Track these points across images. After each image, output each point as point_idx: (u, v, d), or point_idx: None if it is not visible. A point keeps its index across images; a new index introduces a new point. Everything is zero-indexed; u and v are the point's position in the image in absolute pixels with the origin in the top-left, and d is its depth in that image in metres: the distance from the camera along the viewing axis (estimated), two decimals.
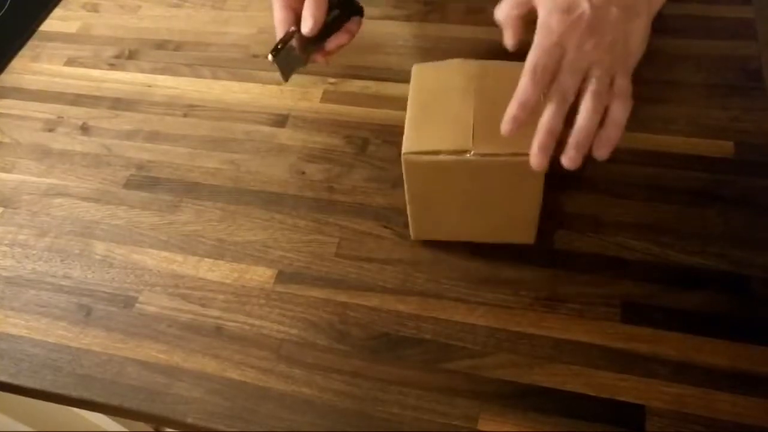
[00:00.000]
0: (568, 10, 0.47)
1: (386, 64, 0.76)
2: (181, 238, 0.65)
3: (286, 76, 0.63)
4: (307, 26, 0.58)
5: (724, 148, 0.64)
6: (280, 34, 0.60)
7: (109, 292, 0.62)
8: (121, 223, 0.67)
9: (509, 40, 0.52)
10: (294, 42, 0.60)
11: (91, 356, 0.58)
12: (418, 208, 0.58)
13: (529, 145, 0.51)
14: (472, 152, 0.51)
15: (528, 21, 0.51)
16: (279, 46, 0.59)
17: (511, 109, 0.49)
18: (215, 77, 0.79)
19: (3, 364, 0.59)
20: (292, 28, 0.59)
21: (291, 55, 0.61)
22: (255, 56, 0.80)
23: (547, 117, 0.48)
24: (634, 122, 0.66)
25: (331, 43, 0.62)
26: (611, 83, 0.48)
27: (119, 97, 0.79)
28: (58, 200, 0.70)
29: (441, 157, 0.52)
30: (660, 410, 0.51)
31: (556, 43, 0.47)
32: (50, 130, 0.77)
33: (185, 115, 0.76)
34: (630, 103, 0.49)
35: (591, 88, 0.47)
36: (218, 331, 0.59)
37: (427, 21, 0.81)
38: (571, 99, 0.48)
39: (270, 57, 0.60)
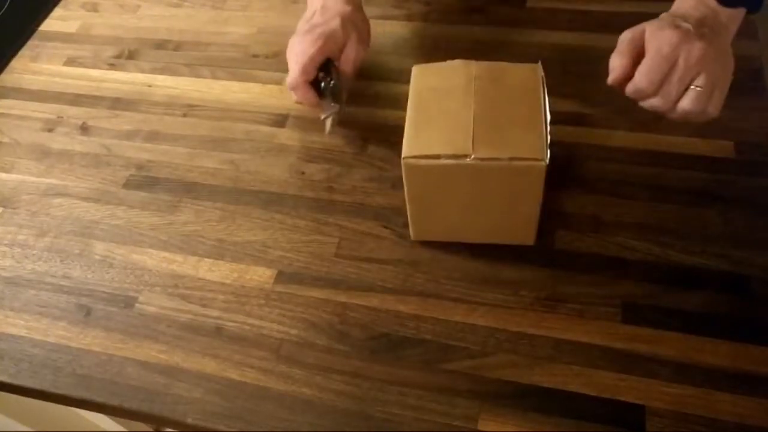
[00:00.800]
0: (676, 26, 0.57)
1: (386, 64, 0.76)
2: (180, 238, 0.65)
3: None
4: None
5: (724, 148, 0.64)
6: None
7: (108, 292, 0.62)
8: (120, 223, 0.67)
9: (614, 76, 0.60)
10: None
11: (91, 356, 0.58)
12: (418, 210, 0.58)
13: (528, 148, 0.51)
14: (471, 156, 0.51)
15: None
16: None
17: (613, 77, 0.60)
18: (215, 77, 0.79)
19: (3, 364, 0.59)
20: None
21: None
22: (255, 56, 0.80)
23: (650, 104, 0.58)
24: (634, 122, 0.67)
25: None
26: (711, 94, 0.57)
27: (119, 97, 0.79)
28: (57, 200, 0.70)
29: (441, 161, 0.52)
30: (660, 410, 0.51)
31: (673, 48, 0.56)
32: (50, 130, 0.77)
33: (185, 115, 0.76)
34: (717, 113, 0.58)
35: (695, 92, 0.56)
36: (218, 331, 0.58)
37: (427, 21, 0.81)
38: (675, 102, 0.57)
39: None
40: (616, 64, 0.60)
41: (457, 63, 0.58)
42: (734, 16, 0.60)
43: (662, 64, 0.56)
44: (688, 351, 0.53)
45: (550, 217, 0.60)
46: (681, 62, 0.56)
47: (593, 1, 0.79)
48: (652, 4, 0.77)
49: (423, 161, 0.52)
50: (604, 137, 0.66)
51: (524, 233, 0.59)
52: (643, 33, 0.59)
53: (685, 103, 0.57)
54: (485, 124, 0.53)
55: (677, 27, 0.57)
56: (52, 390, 0.57)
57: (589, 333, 0.55)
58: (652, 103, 0.59)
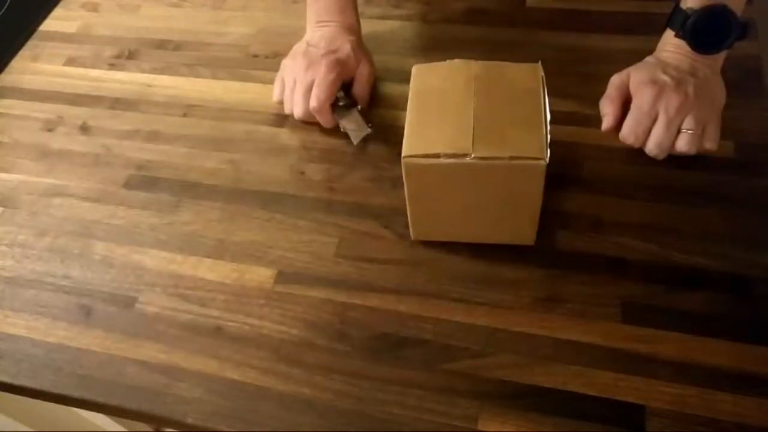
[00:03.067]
0: (654, 81, 0.62)
1: (386, 64, 0.76)
2: (180, 238, 0.65)
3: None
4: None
5: (724, 148, 0.64)
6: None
7: (109, 292, 0.62)
8: (120, 223, 0.67)
9: (608, 123, 0.65)
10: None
11: (91, 356, 0.58)
12: (418, 210, 0.58)
13: (528, 148, 0.51)
14: (471, 155, 0.51)
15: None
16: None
17: (607, 124, 0.64)
18: (215, 77, 0.79)
19: (3, 364, 0.59)
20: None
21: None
22: (255, 56, 0.80)
23: (649, 151, 0.63)
24: None
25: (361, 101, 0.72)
26: (703, 130, 0.61)
27: (119, 97, 0.79)
28: (57, 200, 0.70)
29: (441, 161, 0.52)
30: (660, 410, 0.51)
31: (651, 106, 0.61)
32: (50, 130, 0.77)
33: (185, 115, 0.76)
34: (716, 146, 0.61)
35: (686, 134, 0.61)
36: (218, 331, 0.58)
37: (427, 21, 0.81)
38: (670, 147, 0.61)
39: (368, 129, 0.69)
40: (608, 111, 0.65)
41: (457, 63, 0.58)
42: (716, 55, 0.63)
43: (643, 120, 0.62)
44: (688, 351, 0.53)
45: (550, 217, 0.60)
46: (662, 115, 0.61)
47: (593, 1, 0.79)
48: (652, 4, 0.77)
49: (423, 160, 0.52)
50: (604, 137, 0.66)
51: (525, 233, 0.59)
52: (629, 79, 0.64)
53: (681, 146, 0.61)
54: (485, 123, 0.53)
55: (655, 82, 0.61)
56: (52, 390, 0.57)
57: (589, 333, 0.55)
58: (650, 150, 0.62)
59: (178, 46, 0.83)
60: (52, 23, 0.90)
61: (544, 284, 0.58)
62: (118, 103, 0.78)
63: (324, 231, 0.64)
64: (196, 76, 0.80)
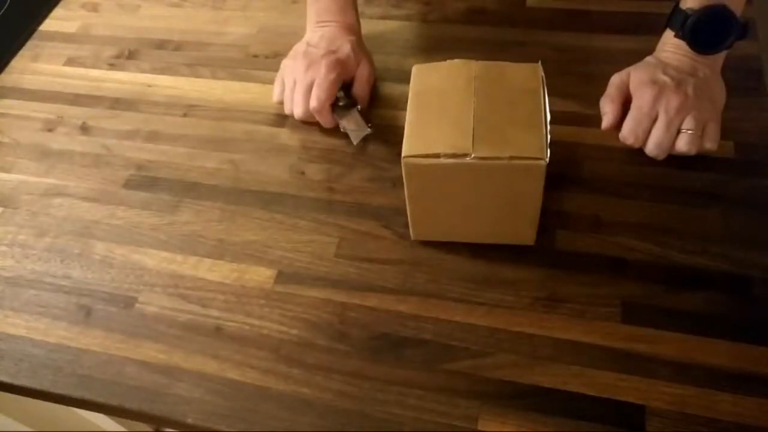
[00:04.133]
0: (654, 81, 0.62)
1: (386, 64, 0.76)
2: (180, 238, 0.65)
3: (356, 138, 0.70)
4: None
5: (724, 148, 0.64)
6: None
7: (108, 292, 0.62)
8: (120, 223, 0.67)
9: (607, 122, 0.65)
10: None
11: (91, 356, 0.58)
12: (418, 210, 0.58)
13: (528, 148, 0.51)
14: (471, 155, 0.51)
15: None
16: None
17: (607, 123, 0.64)
18: (215, 77, 0.79)
19: (3, 364, 0.59)
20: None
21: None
22: (255, 56, 0.80)
23: (649, 152, 0.63)
24: None
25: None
26: (703, 130, 0.61)
27: (119, 97, 0.79)
28: (57, 200, 0.70)
29: (441, 161, 0.52)
30: (660, 410, 0.51)
31: (651, 106, 0.61)
32: (50, 130, 0.77)
33: (185, 115, 0.76)
34: (716, 146, 0.61)
35: (686, 134, 0.61)
36: (218, 331, 0.58)
37: (427, 21, 0.81)
38: (670, 147, 0.61)
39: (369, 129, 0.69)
40: (608, 110, 0.65)
41: (457, 63, 0.58)
42: (715, 55, 0.63)
43: (643, 120, 0.62)
44: (688, 351, 0.53)
45: (550, 217, 0.60)
46: (662, 115, 0.61)
47: (593, 1, 0.79)
48: (652, 4, 0.77)
49: (423, 160, 0.52)
50: (604, 137, 0.66)
51: (524, 233, 0.59)
52: (629, 78, 0.64)
53: (681, 146, 0.61)
54: (485, 123, 0.53)
55: (655, 83, 0.61)
56: (52, 390, 0.57)
57: (589, 333, 0.55)
58: (650, 150, 0.62)
59: (178, 46, 0.83)
60: (52, 23, 0.90)
61: (544, 284, 0.58)
62: (118, 103, 0.78)
63: (324, 231, 0.64)
64: (196, 76, 0.80)
